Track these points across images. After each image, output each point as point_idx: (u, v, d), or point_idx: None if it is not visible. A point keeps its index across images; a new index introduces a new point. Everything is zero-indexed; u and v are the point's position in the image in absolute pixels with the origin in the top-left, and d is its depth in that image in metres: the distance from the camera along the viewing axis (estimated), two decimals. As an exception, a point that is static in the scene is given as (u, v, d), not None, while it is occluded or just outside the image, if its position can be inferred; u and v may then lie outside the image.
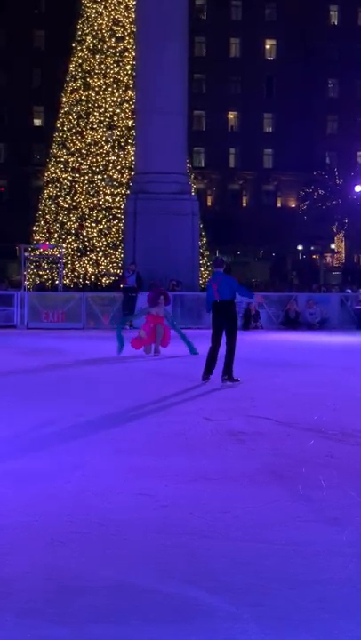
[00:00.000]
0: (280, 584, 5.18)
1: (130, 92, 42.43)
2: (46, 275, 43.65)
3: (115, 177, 43.15)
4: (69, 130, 44.29)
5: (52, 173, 44.82)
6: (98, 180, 43.29)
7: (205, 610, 4.76)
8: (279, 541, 6.02)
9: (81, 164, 43.67)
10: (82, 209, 43.39)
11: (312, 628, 4.57)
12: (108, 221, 42.88)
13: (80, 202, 43.43)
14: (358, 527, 6.38)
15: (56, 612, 4.73)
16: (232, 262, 67.32)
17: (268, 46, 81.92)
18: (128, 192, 38.27)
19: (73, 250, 43.04)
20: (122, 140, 43.25)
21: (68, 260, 42.58)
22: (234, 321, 14.75)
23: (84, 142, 43.73)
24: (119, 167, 43.17)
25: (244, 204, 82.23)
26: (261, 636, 4.46)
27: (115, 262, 42.19)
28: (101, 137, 43.52)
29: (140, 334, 19.19)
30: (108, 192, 43.09)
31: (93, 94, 43.82)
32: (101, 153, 43.41)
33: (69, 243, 43.07)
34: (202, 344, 16.56)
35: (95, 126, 43.64)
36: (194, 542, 5.97)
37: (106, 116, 43.55)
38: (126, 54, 43.47)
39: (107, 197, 43.04)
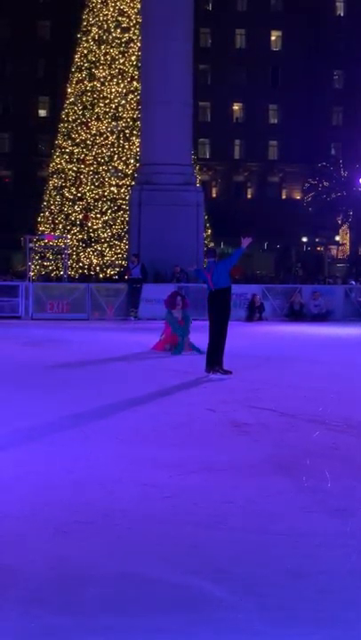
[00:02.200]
0: (284, 574, 5.20)
1: (135, 82, 42.34)
2: (51, 265, 43.65)
3: (120, 168, 43.10)
4: (74, 121, 44.23)
5: (57, 164, 44.78)
6: (103, 170, 43.25)
7: (209, 600, 4.78)
8: (283, 532, 6.03)
9: (86, 154, 43.62)
10: (87, 200, 43.36)
11: (315, 618, 4.58)
12: (112, 212, 42.84)
13: (85, 193, 43.39)
14: (362, 518, 6.39)
15: (61, 601, 4.74)
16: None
17: (273, 37, 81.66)
18: (133, 183, 38.23)
19: (78, 241, 43.03)
20: (127, 131, 43.18)
21: (73, 251, 42.58)
22: (227, 311, 14.58)
23: (90, 133, 43.67)
24: (124, 158, 43.11)
25: (249, 196, 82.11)
26: (264, 626, 4.47)
27: (120, 253, 42.16)
28: (106, 128, 43.45)
29: (161, 338, 18.65)
30: (113, 183, 43.04)
31: (99, 85, 43.74)
32: (106, 144, 43.35)
33: (74, 234, 43.06)
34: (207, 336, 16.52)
35: (100, 117, 43.57)
36: (198, 533, 5.99)
37: (111, 107, 43.48)
38: (132, 45, 43.36)
39: (112, 188, 43.00)
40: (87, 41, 44.45)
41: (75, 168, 43.79)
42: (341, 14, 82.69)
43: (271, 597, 4.83)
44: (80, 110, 44.12)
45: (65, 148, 44.40)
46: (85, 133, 43.78)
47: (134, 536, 5.91)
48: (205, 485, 7.28)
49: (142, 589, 4.92)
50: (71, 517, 6.29)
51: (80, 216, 43.34)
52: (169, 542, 5.78)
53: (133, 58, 42.97)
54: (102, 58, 43.89)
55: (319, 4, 78.49)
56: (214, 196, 77.00)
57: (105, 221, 42.91)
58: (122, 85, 43.50)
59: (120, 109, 43.39)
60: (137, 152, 40.60)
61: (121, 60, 43.66)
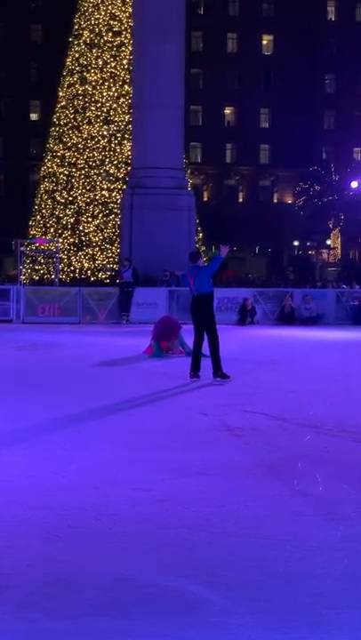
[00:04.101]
0: (277, 578, 5.20)
1: (127, 86, 42.37)
2: (42, 269, 43.61)
3: (111, 172, 43.11)
4: (66, 124, 44.25)
5: (48, 168, 44.78)
6: (94, 174, 43.26)
7: (203, 604, 4.78)
8: (276, 536, 6.04)
9: (77, 158, 43.64)
10: (78, 203, 43.36)
11: (309, 622, 4.59)
12: (104, 216, 42.86)
13: (76, 196, 43.40)
14: (354, 522, 6.40)
15: (55, 605, 4.74)
16: (228, 258, 67.27)
17: (265, 41, 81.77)
18: (125, 187, 38.25)
19: (69, 244, 43.02)
20: (118, 134, 43.21)
21: (65, 255, 42.55)
22: (211, 316, 14.53)
23: (81, 137, 43.68)
24: (116, 162, 43.13)
25: (241, 200, 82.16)
26: (258, 630, 4.48)
27: (111, 257, 42.16)
28: (98, 131, 43.47)
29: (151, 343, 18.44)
30: (105, 187, 43.05)
31: (90, 89, 43.77)
32: (98, 147, 43.38)
33: (65, 237, 43.05)
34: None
35: (92, 121, 43.59)
36: (191, 536, 5.99)
37: (103, 111, 43.51)
38: (123, 49, 43.41)
39: (103, 192, 43.02)
40: (79, 45, 44.49)
41: (66, 172, 43.79)
42: (333, 18, 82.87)
43: (265, 601, 4.84)
44: (72, 114, 44.14)
45: (56, 151, 44.41)
46: (77, 137, 43.79)
47: (128, 540, 5.91)
48: (198, 489, 7.28)
49: (136, 593, 4.92)
50: (64, 521, 6.29)
51: (71, 220, 43.35)
52: (162, 546, 5.78)
53: (125, 62, 43.01)
54: (94, 61, 43.93)
55: (311, 9, 78.63)
56: (206, 199, 77.04)
57: (96, 225, 42.92)
58: (113, 89, 43.53)
59: (112, 113, 43.42)
60: (128, 156, 40.63)
61: (112, 64, 43.70)
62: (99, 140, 43.40)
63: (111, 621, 4.54)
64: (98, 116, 43.54)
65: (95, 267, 42.64)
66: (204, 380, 14.27)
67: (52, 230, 43.53)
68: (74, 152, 43.76)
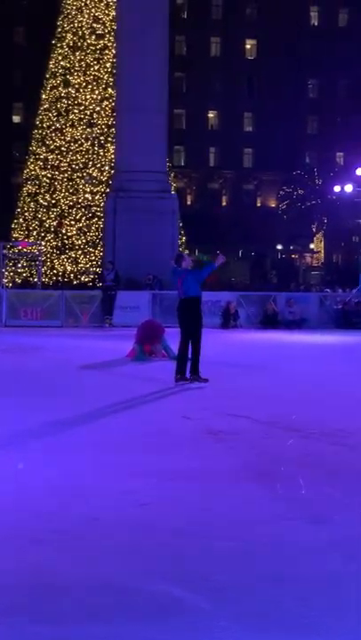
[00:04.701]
0: (262, 582, 5.19)
1: (110, 89, 42.34)
2: (25, 272, 43.49)
3: (94, 175, 43.06)
4: (49, 127, 44.16)
5: (31, 171, 44.67)
6: (77, 177, 43.19)
7: (187, 608, 4.75)
8: (260, 539, 6.02)
9: (60, 161, 43.56)
10: (61, 207, 43.27)
11: (294, 625, 4.58)
12: (87, 219, 42.79)
13: (59, 199, 43.31)
14: (337, 525, 6.40)
15: (39, 610, 4.71)
16: (212, 261, 67.20)
17: (248, 46, 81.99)
18: (108, 190, 38.22)
19: (52, 248, 42.93)
20: (102, 137, 43.17)
21: (47, 258, 42.44)
22: (198, 319, 14.51)
23: (64, 140, 43.61)
24: (99, 165, 43.08)
25: (224, 203, 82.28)
26: (242, 633, 4.47)
27: (94, 260, 42.10)
28: (81, 134, 43.41)
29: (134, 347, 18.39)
30: (88, 190, 42.99)
31: (73, 92, 43.71)
32: (81, 151, 43.31)
33: (48, 240, 42.94)
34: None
35: (75, 124, 43.53)
36: (175, 541, 5.96)
37: (86, 114, 43.45)
38: (106, 52, 43.38)
39: (86, 195, 42.95)
40: (62, 47, 44.43)
41: (49, 175, 43.70)
42: (316, 23, 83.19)
43: (250, 605, 4.82)
44: (54, 117, 44.06)
45: (39, 154, 44.31)
46: (60, 140, 43.71)
47: (112, 544, 5.87)
48: (182, 493, 7.26)
49: (120, 598, 4.89)
50: (47, 526, 6.24)
51: (54, 223, 43.26)
52: (147, 550, 5.75)
53: (108, 65, 42.99)
54: (77, 64, 43.88)
55: (294, 13, 78.87)
56: (189, 203, 77.11)
57: (79, 228, 42.85)
58: (97, 92, 43.49)
59: (95, 116, 43.37)
60: (112, 159, 40.59)
61: (96, 67, 43.67)
62: (82, 143, 43.34)
63: (96, 626, 4.51)
64: (81, 119, 43.48)
65: (78, 270, 42.56)
66: (187, 384, 14.21)
67: (34, 233, 43.42)
68: (57, 155, 43.68)
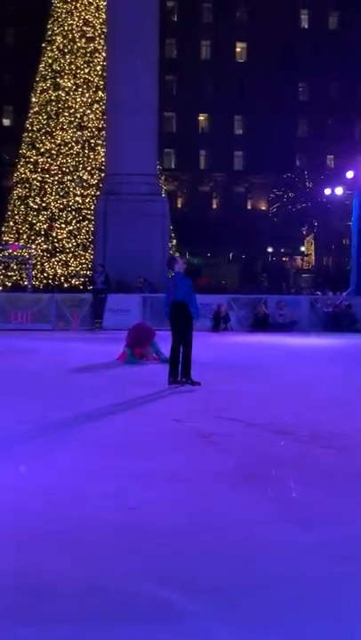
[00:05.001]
0: (251, 584, 5.18)
1: (100, 92, 42.34)
2: (15, 276, 43.42)
3: (85, 178, 43.04)
4: (39, 130, 44.13)
5: (21, 174, 44.62)
6: (68, 180, 43.17)
7: (177, 610, 4.74)
8: (250, 542, 6.02)
9: (51, 164, 43.53)
10: (51, 210, 43.24)
11: (284, 627, 4.56)
12: (77, 222, 42.76)
13: (50, 202, 43.28)
14: (327, 527, 6.40)
15: (28, 613, 4.69)
16: (202, 264, 67.39)
17: (238, 49, 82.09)
18: (98, 193, 38.20)
19: (42, 251, 42.87)
20: (92, 140, 43.15)
21: (38, 261, 42.39)
22: (189, 322, 14.53)
23: (54, 143, 43.59)
24: (89, 168, 43.07)
25: (215, 206, 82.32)
26: (232, 635, 4.45)
27: (84, 263, 42.07)
28: (71, 137, 43.39)
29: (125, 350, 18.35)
30: (78, 193, 42.97)
31: (63, 95, 43.69)
32: (71, 154, 43.29)
33: (39, 244, 42.90)
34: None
35: (65, 127, 43.51)
36: (165, 543, 5.95)
37: (76, 117, 43.44)
38: (97, 55, 43.39)
39: (76, 198, 42.92)
40: (52, 50, 44.41)
41: (39, 178, 43.66)
42: (306, 26, 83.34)
43: (240, 608, 4.81)
44: (45, 120, 44.03)
45: (29, 157, 44.26)
46: (50, 143, 43.69)
47: (101, 547, 5.86)
48: (172, 496, 7.25)
49: (109, 600, 4.87)
50: (38, 528, 6.23)
51: (45, 226, 43.21)
52: (136, 553, 5.74)
53: (98, 68, 43.00)
54: (67, 67, 43.87)
55: (284, 17, 78.97)
56: (180, 206, 77.13)
57: (70, 231, 42.81)
58: (87, 95, 43.48)
59: (85, 119, 43.36)
60: (102, 162, 40.58)
61: (86, 70, 43.66)
62: (72, 146, 43.32)
63: (85, 629, 4.50)
64: (71, 122, 43.47)
65: (68, 273, 42.53)
66: (181, 387, 14.17)
67: (24, 236, 43.36)
68: (47, 158, 43.64)
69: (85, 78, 43.58)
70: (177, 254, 41.73)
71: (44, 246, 42.99)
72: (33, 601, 4.86)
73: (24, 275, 41.19)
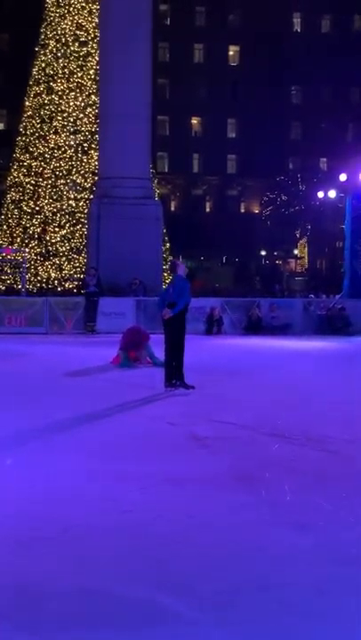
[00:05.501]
0: (247, 588, 5.19)
1: (93, 96, 42.31)
2: (9, 279, 43.37)
3: (78, 181, 43.00)
4: (32, 134, 44.08)
5: (14, 178, 44.56)
6: (61, 184, 43.11)
7: (171, 614, 4.75)
8: (244, 546, 6.02)
9: (44, 168, 43.48)
10: (45, 213, 43.18)
11: (279, 631, 4.57)
12: (71, 226, 42.71)
13: (43, 206, 43.22)
14: (322, 531, 6.41)
15: (20, 617, 4.68)
16: (196, 267, 67.45)
17: (231, 52, 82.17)
18: (92, 197, 38.17)
19: (36, 254, 42.82)
20: (85, 144, 43.11)
21: (31, 265, 42.35)
22: (181, 325, 14.54)
23: (48, 147, 43.54)
24: (83, 172, 43.03)
25: (208, 210, 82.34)
26: (228, 639, 4.45)
27: (78, 267, 42.03)
28: (65, 141, 43.35)
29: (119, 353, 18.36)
30: (72, 196, 42.92)
31: (57, 98, 43.65)
32: (65, 157, 43.24)
33: (32, 247, 42.83)
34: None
35: (58, 131, 43.47)
36: (159, 547, 5.95)
37: (69, 121, 43.40)
38: (90, 59, 43.35)
39: (70, 202, 42.88)
40: (45, 54, 44.37)
41: (33, 181, 43.61)
42: (299, 30, 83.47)
43: (233, 612, 4.81)
44: (38, 124, 43.98)
45: (23, 161, 44.22)
46: (43, 147, 43.64)
47: (96, 551, 5.86)
48: (166, 499, 7.25)
49: (104, 605, 4.87)
50: (31, 531, 6.23)
51: (38, 229, 43.16)
52: (131, 557, 5.74)
53: (92, 72, 42.97)
54: (60, 71, 43.82)
55: (277, 20, 79.09)
56: (173, 209, 77.12)
57: (63, 235, 42.76)
58: (80, 99, 43.44)
59: (78, 123, 43.32)
60: (95, 166, 40.55)
61: (79, 74, 43.62)
62: (65, 150, 43.28)
63: (79, 633, 4.50)
64: (64, 126, 43.43)
65: (62, 277, 42.49)
66: (175, 390, 14.17)
67: (18, 240, 43.29)
68: (40, 162, 43.60)
69: (79, 82, 43.54)
70: (170, 258, 41.78)
71: (38, 250, 42.93)
72: (25, 606, 4.86)
73: (18, 278, 41.11)
